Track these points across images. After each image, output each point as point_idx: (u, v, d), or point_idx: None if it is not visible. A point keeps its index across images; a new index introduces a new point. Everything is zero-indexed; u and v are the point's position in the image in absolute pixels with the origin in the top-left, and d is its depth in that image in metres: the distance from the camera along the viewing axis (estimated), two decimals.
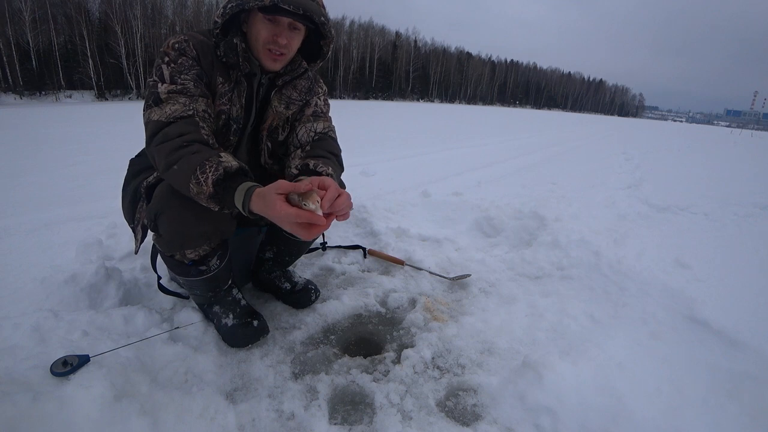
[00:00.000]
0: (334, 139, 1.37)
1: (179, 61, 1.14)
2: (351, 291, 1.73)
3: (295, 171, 1.20)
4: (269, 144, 1.36)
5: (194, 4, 33.89)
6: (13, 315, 1.27)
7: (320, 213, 0.88)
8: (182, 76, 1.13)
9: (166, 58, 1.14)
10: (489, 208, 2.59)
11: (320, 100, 1.39)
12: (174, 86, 1.11)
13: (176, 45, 1.15)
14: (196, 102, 1.13)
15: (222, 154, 1.04)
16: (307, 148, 1.29)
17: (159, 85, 1.12)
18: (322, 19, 1.15)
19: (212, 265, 1.27)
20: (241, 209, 0.98)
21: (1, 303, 1.46)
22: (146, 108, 1.12)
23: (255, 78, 1.26)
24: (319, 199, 0.89)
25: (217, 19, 1.15)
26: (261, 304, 1.61)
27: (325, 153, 1.27)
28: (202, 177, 0.99)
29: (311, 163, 1.19)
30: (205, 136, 1.10)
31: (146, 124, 1.12)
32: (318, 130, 1.33)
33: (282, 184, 0.92)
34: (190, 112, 1.10)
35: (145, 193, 1.24)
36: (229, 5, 1.12)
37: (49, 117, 11.44)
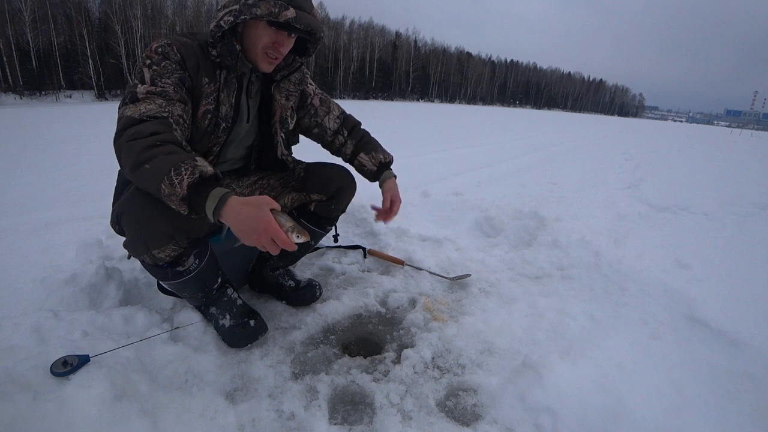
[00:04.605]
0: (350, 114, 1.65)
1: (162, 65, 1.13)
2: (351, 291, 1.73)
3: (373, 167, 1.56)
4: (283, 135, 1.45)
5: (194, 4, 33.91)
6: (13, 315, 1.27)
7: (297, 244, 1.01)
8: (163, 80, 1.12)
9: (149, 62, 1.13)
10: (489, 208, 2.59)
11: (312, 85, 1.55)
12: (153, 88, 1.10)
13: (159, 49, 1.14)
14: (173, 106, 1.11)
15: (197, 158, 1.01)
16: (346, 133, 1.59)
17: (139, 86, 1.11)
18: (322, 34, 1.26)
19: (190, 266, 1.24)
20: (210, 214, 0.96)
21: (1, 303, 1.46)
22: (121, 105, 1.11)
23: (245, 77, 1.29)
24: (306, 234, 1.03)
25: (222, 24, 1.14)
26: (261, 303, 1.61)
27: (367, 139, 1.60)
28: (177, 178, 0.95)
29: (374, 157, 1.56)
30: (179, 138, 1.07)
31: (119, 119, 1.09)
32: (337, 114, 1.59)
33: (271, 201, 0.98)
34: (165, 114, 1.08)
35: None
36: (241, 17, 1.11)
37: (49, 117, 11.45)
